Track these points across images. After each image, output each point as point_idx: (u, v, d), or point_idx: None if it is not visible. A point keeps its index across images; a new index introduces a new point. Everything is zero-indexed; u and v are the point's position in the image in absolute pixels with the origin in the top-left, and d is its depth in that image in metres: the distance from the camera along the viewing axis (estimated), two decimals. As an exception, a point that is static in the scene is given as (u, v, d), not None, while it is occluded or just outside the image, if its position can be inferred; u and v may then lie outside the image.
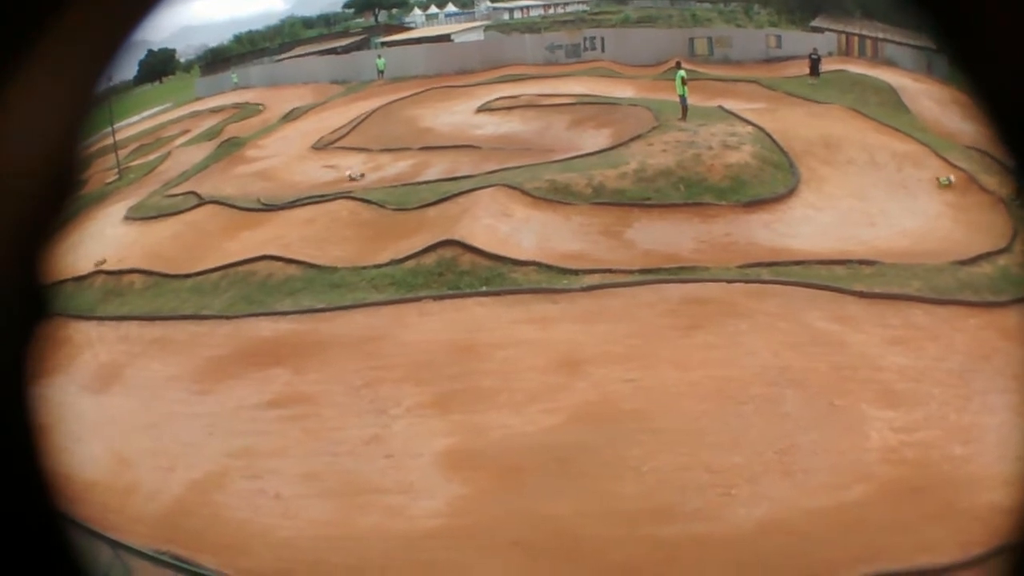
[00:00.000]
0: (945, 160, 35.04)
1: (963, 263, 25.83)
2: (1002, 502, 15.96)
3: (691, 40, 60.62)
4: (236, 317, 25.24)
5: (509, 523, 16.31)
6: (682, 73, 38.85)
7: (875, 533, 15.52)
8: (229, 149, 47.71)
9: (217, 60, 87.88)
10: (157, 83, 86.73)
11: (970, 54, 1.90)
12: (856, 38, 61.93)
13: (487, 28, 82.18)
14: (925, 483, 16.77)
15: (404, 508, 17.02)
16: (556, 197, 30.04)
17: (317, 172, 40.71)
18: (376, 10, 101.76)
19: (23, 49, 1.78)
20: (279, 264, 27.81)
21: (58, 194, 1.96)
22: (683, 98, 38.06)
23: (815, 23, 65.11)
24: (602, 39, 61.70)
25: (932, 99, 48.44)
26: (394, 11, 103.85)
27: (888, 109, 44.60)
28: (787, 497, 16.52)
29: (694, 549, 15.52)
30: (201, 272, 28.42)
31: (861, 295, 23.83)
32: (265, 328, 24.39)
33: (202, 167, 44.62)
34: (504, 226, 28.35)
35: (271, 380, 21.59)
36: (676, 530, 15.90)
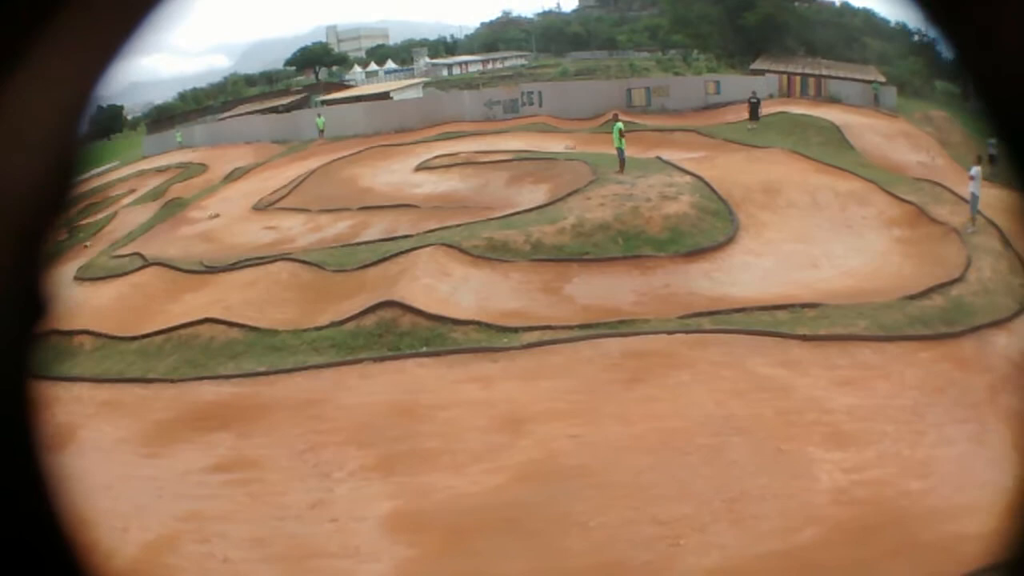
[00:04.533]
0: (892, 195, 35.64)
1: (913, 297, 26.10)
2: (968, 530, 15.94)
3: (629, 91, 61.12)
4: (181, 381, 24.98)
5: (457, 585, 16.15)
6: (619, 125, 39.26)
7: (832, 573, 15.47)
8: (173, 210, 47.67)
9: (162, 117, 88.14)
10: (106, 140, 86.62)
11: (972, 47, 1.90)
12: (798, 78, 62.81)
13: (426, 85, 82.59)
14: (881, 520, 16.72)
15: (351, 572, 16.66)
16: (495, 255, 30.10)
17: (258, 233, 40.50)
18: (317, 68, 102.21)
19: (19, 52, 1.78)
20: (221, 327, 27.65)
21: (55, 198, 1.98)
22: (620, 150, 38.33)
23: (755, 65, 65.95)
24: (540, 93, 62.17)
25: (879, 133, 49.43)
26: (334, 68, 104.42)
27: (831, 148, 45.23)
28: (737, 544, 16.37)
29: (645, 602, 15.35)
30: (146, 335, 28.26)
31: (805, 338, 23.90)
32: (208, 392, 24.18)
33: (147, 228, 44.54)
34: (443, 285, 28.31)
35: (216, 444, 21.34)
36: (627, 584, 15.75)
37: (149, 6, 1.96)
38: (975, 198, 31.80)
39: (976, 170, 32.26)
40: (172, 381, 25.14)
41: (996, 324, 24.76)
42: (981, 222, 31.56)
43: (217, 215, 41.60)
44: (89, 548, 2.23)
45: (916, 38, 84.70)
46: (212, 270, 33.70)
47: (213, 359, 26.28)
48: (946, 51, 1.88)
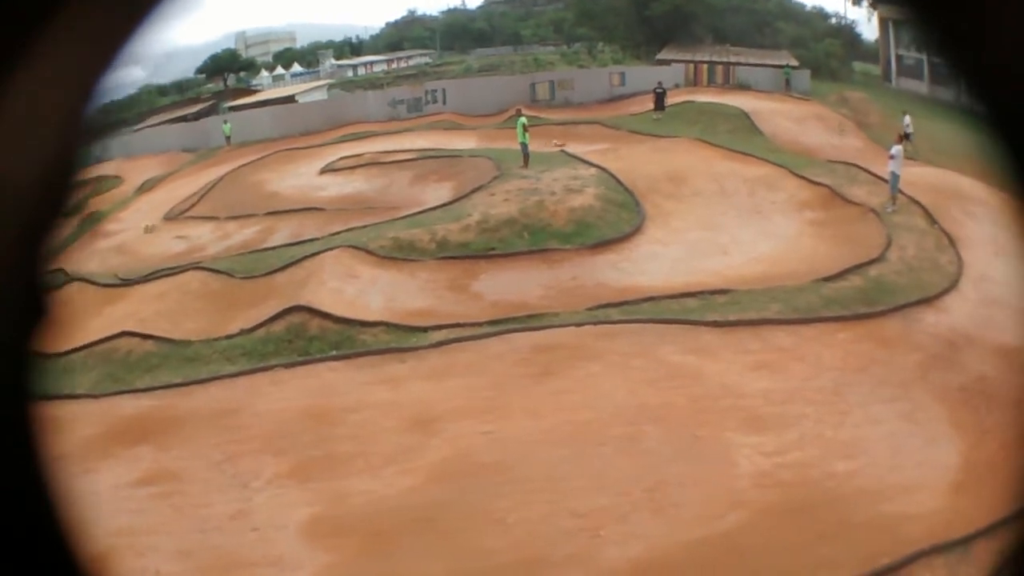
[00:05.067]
0: (803, 178, 35.77)
1: (828, 279, 26.32)
2: (907, 510, 16.40)
3: (533, 85, 60.93)
4: (103, 396, 24.79)
5: (380, 588, 16.17)
6: (523, 120, 39.12)
7: (760, 557, 15.58)
8: (91, 223, 47.28)
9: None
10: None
11: (967, 45, 1.87)
12: (705, 66, 62.37)
13: (331, 87, 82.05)
14: (808, 502, 16.91)
15: None
16: (401, 254, 30.14)
17: (169, 243, 40.23)
18: (225, 74, 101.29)
19: (20, 51, 1.79)
20: (137, 340, 27.43)
21: (56, 197, 1.98)
22: (524, 145, 38.30)
23: (661, 56, 65.44)
24: (444, 91, 61.81)
25: (789, 118, 49.47)
26: (242, 74, 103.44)
27: (739, 135, 45.32)
28: (660, 533, 16.51)
29: (571, 596, 15.49)
30: (70, 351, 28.13)
31: (715, 324, 24.11)
32: (128, 406, 23.92)
33: (69, 242, 44.09)
34: (351, 288, 28.33)
35: (140, 458, 21.13)
36: (550, 578, 15.84)
37: (151, 4, 1.97)
38: (895, 177, 32.08)
39: (897, 149, 32.62)
40: (95, 397, 25.00)
41: (923, 302, 25.03)
42: (903, 201, 31.80)
43: (153, 227, 41.18)
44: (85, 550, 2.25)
45: (833, 20, 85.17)
46: (127, 283, 33.43)
47: (131, 372, 26.10)
48: (939, 54, 1.90)
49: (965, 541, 15.17)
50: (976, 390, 20.69)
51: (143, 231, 41.11)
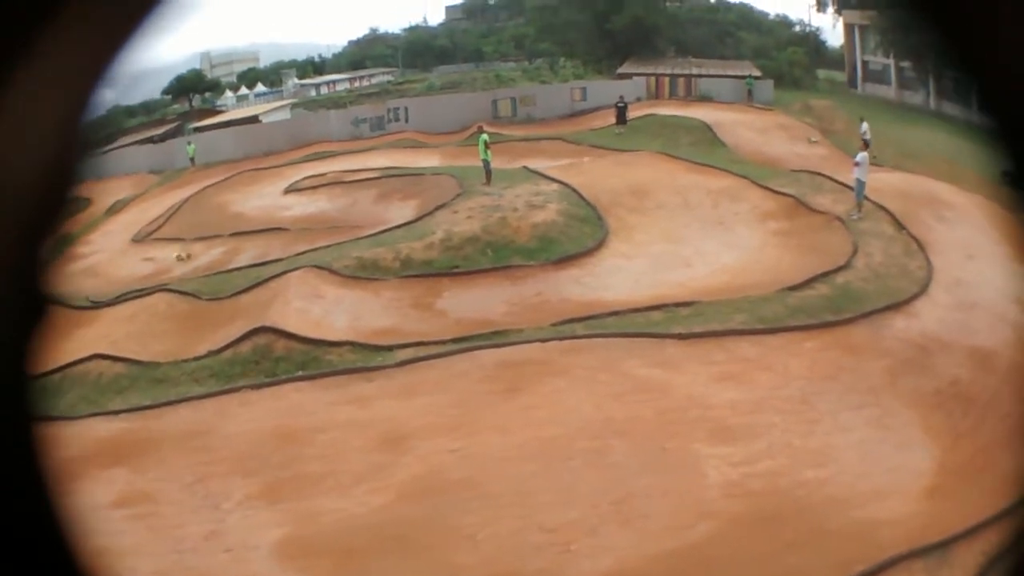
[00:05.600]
0: (767, 188, 35.95)
1: (793, 288, 26.48)
2: (879, 516, 16.44)
3: (494, 102, 61.37)
4: (77, 418, 24.60)
5: (353, 607, 16.13)
6: (484, 137, 39.27)
7: (731, 567, 15.64)
8: (62, 245, 47.13)
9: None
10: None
11: (970, 48, 1.87)
12: (667, 79, 62.78)
13: (294, 106, 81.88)
14: (778, 512, 16.97)
15: None
16: (365, 274, 30.20)
17: (138, 265, 40.14)
18: (191, 95, 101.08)
19: (21, 52, 1.79)
20: (107, 362, 27.37)
21: (56, 199, 2.00)
22: (486, 162, 38.42)
23: (622, 69, 65.71)
24: (406, 109, 62.09)
25: (752, 128, 49.76)
26: (207, 94, 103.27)
27: (702, 147, 45.65)
28: (629, 545, 16.57)
29: (543, 610, 15.52)
30: (45, 373, 27.98)
31: (680, 337, 24.25)
32: (102, 428, 23.85)
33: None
34: (316, 308, 28.39)
35: (114, 480, 21.01)
36: (522, 594, 15.84)
37: (151, 4, 1.98)
38: (860, 184, 32.27)
39: (862, 156, 32.87)
40: (70, 419, 25.01)
41: (891, 308, 25.26)
42: (869, 207, 32.01)
43: (188, 255, 41.05)
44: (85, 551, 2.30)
45: (797, 28, 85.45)
46: (97, 305, 33.45)
47: (103, 395, 26.03)
48: (949, 60, 1.88)
49: (944, 544, 15.32)
50: (950, 394, 20.93)
51: (176, 260, 40.83)
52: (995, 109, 1.89)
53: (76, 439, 23.68)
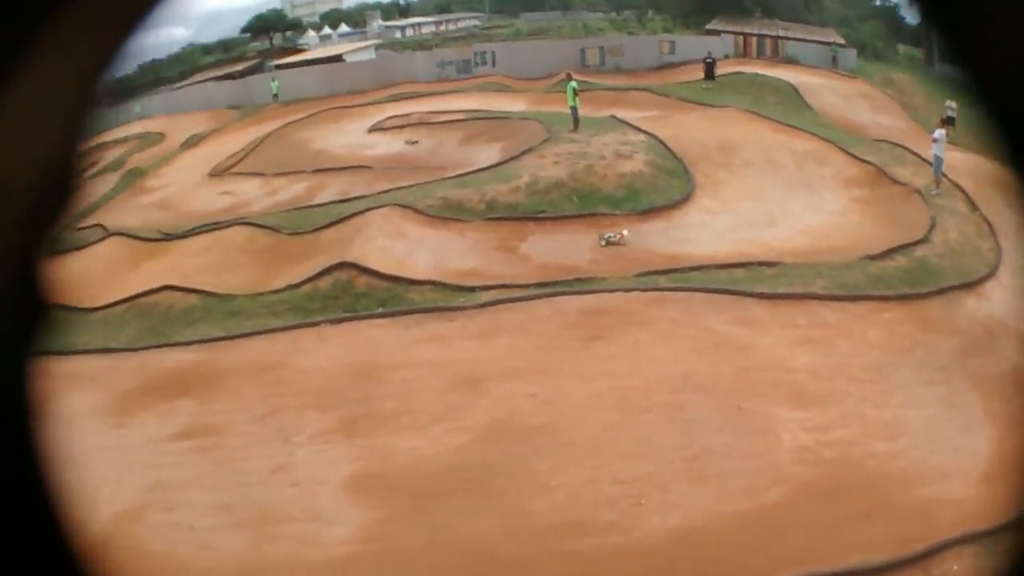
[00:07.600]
0: (851, 155, 35.50)
1: (874, 257, 26.03)
2: (942, 495, 16.12)
3: (583, 51, 61.00)
4: (142, 349, 24.69)
5: (422, 546, 15.92)
6: (573, 84, 38.96)
7: (799, 534, 15.30)
8: (132, 179, 47.25)
9: (122, 90, 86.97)
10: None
11: (970, 44, 1.80)
12: (754, 39, 62.52)
13: (379, 47, 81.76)
14: (847, 481, 16.69)
15: (315, 536, 16.56)
16: (449, 214, 30.01)
17: (214, 199, 40.15)
18: (271, 33, 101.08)
19: (22, 48, 1.74)
20: (179, 294, 27.39)
21: (58, 195, 1.94)
22: (574, 109, 38.04)
23: (711, 26, 65.26)
24: (493, 54, 61.95)
25: (837, 94, 49.31)
26: (288, 33, 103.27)
27: (788, 108, 45.10)
28: (700, 504, 16.31)
29: (610, 561, 15.28)
30: (108, 305, 27.91)
31: (763, 296, 23.83)
32: (169, 360, 23.89)
33: (108, 198, 44.01)
34: (399, 246, 28.22)
35: (178, 412, 21.09)
36: (590, 544, 15.63)
37: (152, 3, 1.93)
38: (939, 160, 31.73)
39: (940, 133, 32.18)
40: (134, 350, 24.88)
41: (964, 287, 24.76)
42: (946, 185, 31.51)
43: (416, 141, 41.08)
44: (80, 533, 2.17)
45: (878, 2, 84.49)
46: (169, 237, 33.39)
47: (172, 326, 26.06)
48: (937, 39, 1.83)
49: (994, 532, 14.86)
50: (1010, 379, 20.40)
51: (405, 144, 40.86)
52: (994, 107, 1.84)
53: (137, 371, 23.76)
